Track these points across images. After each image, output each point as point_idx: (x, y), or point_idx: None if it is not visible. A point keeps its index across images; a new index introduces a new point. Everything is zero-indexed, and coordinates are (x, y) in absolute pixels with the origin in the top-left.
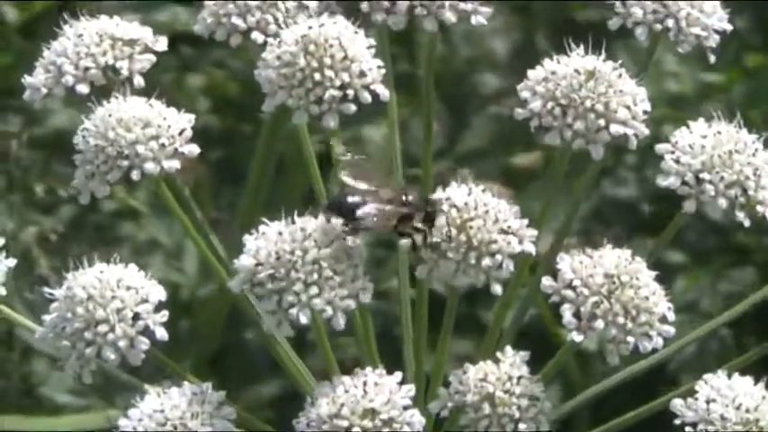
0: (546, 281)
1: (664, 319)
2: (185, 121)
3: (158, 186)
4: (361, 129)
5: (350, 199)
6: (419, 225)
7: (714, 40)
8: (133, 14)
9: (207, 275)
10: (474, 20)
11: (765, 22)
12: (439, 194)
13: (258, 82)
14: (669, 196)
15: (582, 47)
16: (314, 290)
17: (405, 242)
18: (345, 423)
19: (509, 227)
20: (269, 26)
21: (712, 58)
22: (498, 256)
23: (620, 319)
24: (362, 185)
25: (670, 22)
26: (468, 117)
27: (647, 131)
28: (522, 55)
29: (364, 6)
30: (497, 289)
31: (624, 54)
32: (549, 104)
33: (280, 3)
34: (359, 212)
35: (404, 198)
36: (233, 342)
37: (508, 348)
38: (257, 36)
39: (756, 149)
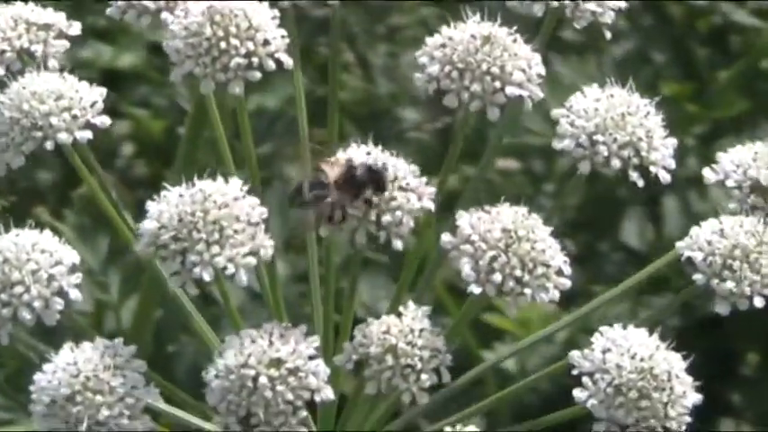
0: (445, 236)
1: (560, 272)
2: (97, 94)
3: (72, 158)
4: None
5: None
6: (370, 198)
7: (609, 17)
8: None
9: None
10: None
11: (683, 55)
12: (339, 155)
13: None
14: (590, 223)
15: (478, 15)
16: (216, 248)
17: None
18: (252, 372)
19: (407, 184)
20: (178, 8)
21: (608, 35)
22: (398, 213)
23: (518, 272)
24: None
25: None
26: (388, 144)
27: (541, 94)
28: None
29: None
30: (398, 245)
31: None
32: (447, 68)
33: None
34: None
35: (351, 172)
36: (161, 355)
37: (410, 303)
38: (167, 16)
39: (648, 112)
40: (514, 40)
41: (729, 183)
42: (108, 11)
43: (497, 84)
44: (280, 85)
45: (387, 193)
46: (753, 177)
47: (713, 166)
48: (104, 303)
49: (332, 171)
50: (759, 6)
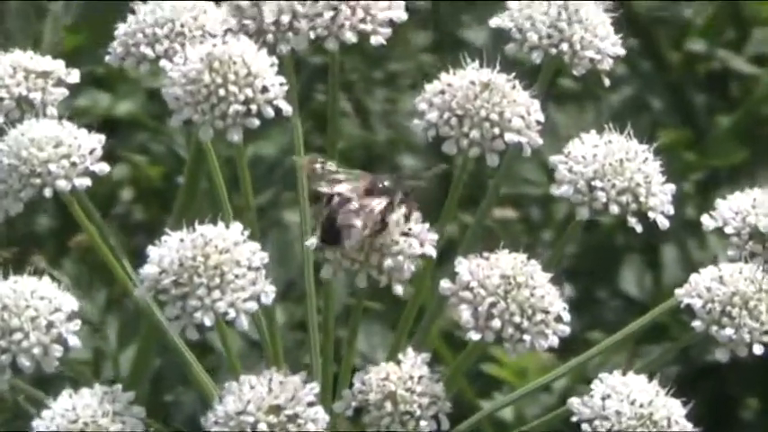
0: (444, 283)
1: (559, 319)
2: (96, 140)
3: (71, 205)
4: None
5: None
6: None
7: (608, 63)
8: None
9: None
10: (374, 39)
11: (681, 102)
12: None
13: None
14: (588, 271)
15: (477, 61)
16: (216, 293)
17: (311, 242)
18: (251, 419)
19: (410, 229)
20: (177, 54)
21: (607, 82)
22: (400, 257)
23: (517, 318)
24: (340, 187)
25: (564, 46)
26: None
27: (540, 141)
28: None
29: (269, 38)
30: (399, 290)
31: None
32: (446, 115)
33: (187, 31)
34: (339, 219)
35: (380, 184)
36: (159, 404)
37: (409, 350)
38: (165, 64)
39: (647, 158)
40: (513, 87)
41: (728, 230)
42: (107, 58)
43: (496, 130)
44: (277, 133)
45: (389, 238)
46: (751, 224)
47: (712, 212)
48: (102, 352)
49: (353, 185)
50: (757, 53)
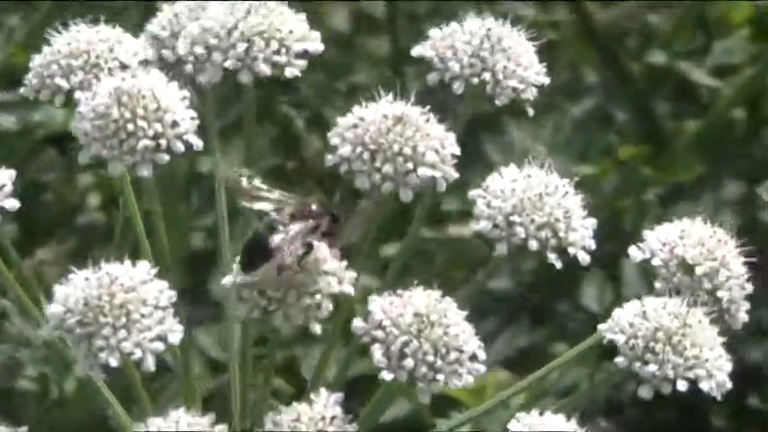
0: (357, 322)
1: (474, 358)
2: (6, 177)
3: None
4: None
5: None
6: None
7: (531, 93)
8: (8, 114)
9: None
10: (288, 72)
11: (644, 113)
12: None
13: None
14: (548, 286)
15: (391, 95)
16: (122, 333)
17: (227, 279)
18: None
19: (328, 268)
20: (92, 86)
21: (531, 111)
22: (317, 296)
23: (430, 358)
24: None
25: (486, 76)
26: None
27: (455, 174)
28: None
29: (188, 68)
30: (316, 329)
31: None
32: (358, 149)
33: (102, 63)
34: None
35: (308, 208)
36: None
37: (322, 390)
38: (80, 96)
39: (567, 192)
40: (427, 120)
41: (655, 261)
42: (21, 90)
43: (410, 165)
44: (235, 148)
45: (306, 277)
46: (679, 256)
47: (639, 244)
48: (47, 376)
49: (279, 205)
50: (716, 64)
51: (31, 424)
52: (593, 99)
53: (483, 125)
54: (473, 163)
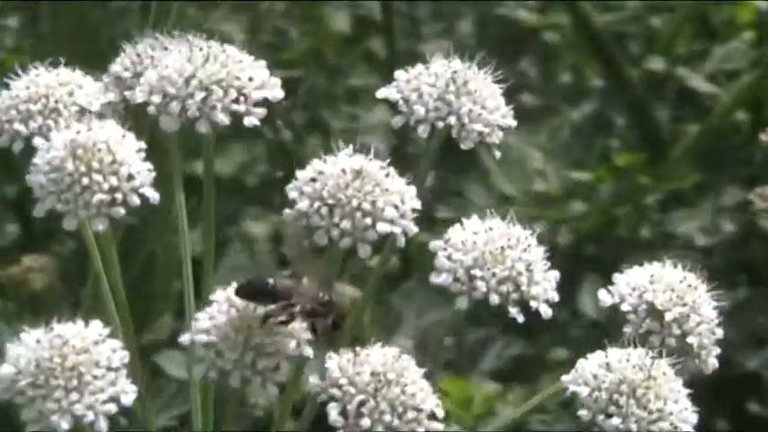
0: (313, 379)
1: (432, 416)
2: None
3: None
4: None
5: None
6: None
7: (498, 137)
8: None
9: None
10: (247, 121)
11: (643, 119)
12: (219, 294)
13: None
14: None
15: (351, 147)
16: (74, 396)
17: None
18: None
19: (286, 329)
20: (51, 132)
21: (498, 154)
22: (275, 358)
23: (387, 417)
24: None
25: (452, 119)
26: None
27: (415, 229)
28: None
29: (151, 110)
30: (273, 390)
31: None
32: (316, 204)
33: (61, 107)
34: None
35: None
36: None
37: None
38: (39, 141)
39: (529, 245)
40: (387, 175)
41: (624, 307)
42: None
43: (368, 220)
44: (236, 151)
45: (265, 336)
46: (648, 301)
47: (609, 287)
48: None
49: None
50: (716, 69)
51: None
52: (593, 104)
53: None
54: (467, 169)
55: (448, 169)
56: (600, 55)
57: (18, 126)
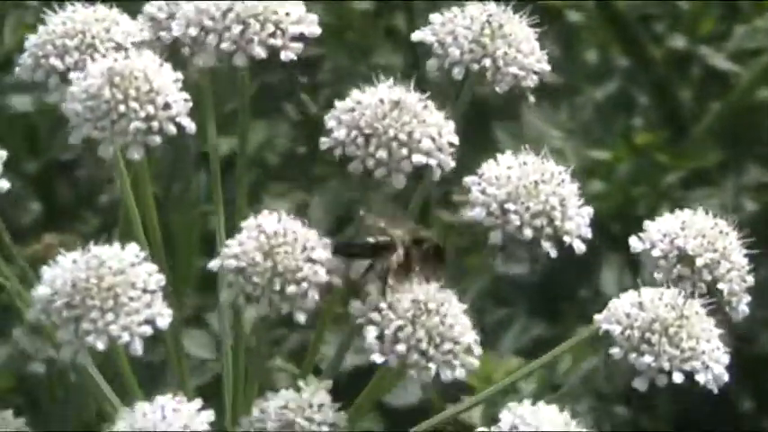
0: (354, 303)
1: (469, 351)
2: None
3: None
4: None
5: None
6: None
7: (532, 80)
8: (23, 95)
9: None
10: (283, 55)
11: (666, 98)
12: (250, 222)
13: None
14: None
15: (391, 79)
16: (110, 316)
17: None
18: None
19: (317, 256)
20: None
21: (532, 99)
22: (304, 284)
23: (423, 345)
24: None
25: (487, 62)
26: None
27: (452, 163)
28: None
29: (186, 50)
30: (300, 318)
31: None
32: (353, 133)
33: (98, 43)
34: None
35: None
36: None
37: (311, 377)
38: (75, 76)
39: (563, 180)
40: (425, 107)
41: (655, 252)
42: (16, 71)
43: (404, 151)
44: (258, 128)
45: (293, 263)
46: (680, 247)
47: (641, 234)
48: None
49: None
50: (737, 48)
51: (44, 409)
52: (616, 83)
53: (495, 109)
54: (484, 149)
55: (463, 148)
56: (623, 34)
57: (54, 61)
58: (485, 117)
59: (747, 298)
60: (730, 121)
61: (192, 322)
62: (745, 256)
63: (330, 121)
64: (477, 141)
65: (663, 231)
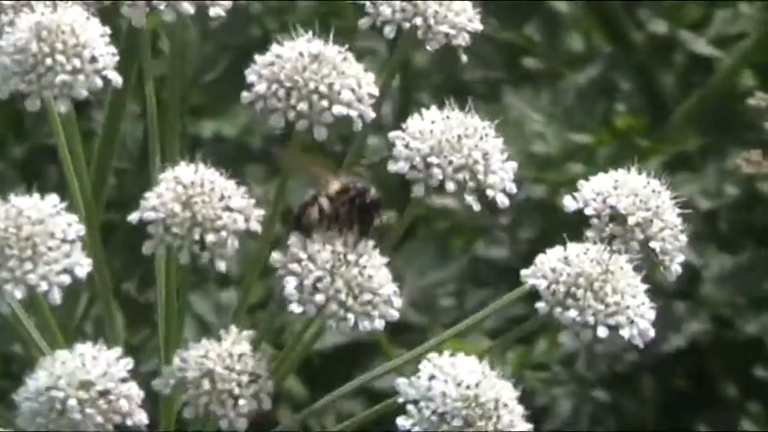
0: (275, 255)
1: (388, 302)
2: None
3: None
4: None
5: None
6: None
7: (464, 39)
8: None
9: None
10: (212, 11)
11: (647, 83)
12: (167, 173)
13: None
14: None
15: (310, 32)
16: (28, 265)
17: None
18: (61, 394)
19: (235, 204)
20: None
21: (464, 58)
22: (223, 233)
23: (342, 296)
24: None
25: (418, 21)
26: None
27: (372, 114)
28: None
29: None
30: (221, 266)
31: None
32: (274, 87)
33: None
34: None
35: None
36: None
37: (232, 327)
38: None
39: (486, 134)
40: (344, 59)
41: (588, 211)
42: None
43: (324, 103)
44: (240, 114)
45: (212, 212)
46: (612, 206)
47: (574, 194)
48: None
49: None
50: (718, 33)
51: None
52: (598, 68)
53: (476, 93)
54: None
55: None
56: (606, 19)
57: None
58: (465, 101)
59: (681, 257)
60: (712, 105)
61: None
62: (679, 215)
63: (250, 76)
64: None
65: (596, 191)
